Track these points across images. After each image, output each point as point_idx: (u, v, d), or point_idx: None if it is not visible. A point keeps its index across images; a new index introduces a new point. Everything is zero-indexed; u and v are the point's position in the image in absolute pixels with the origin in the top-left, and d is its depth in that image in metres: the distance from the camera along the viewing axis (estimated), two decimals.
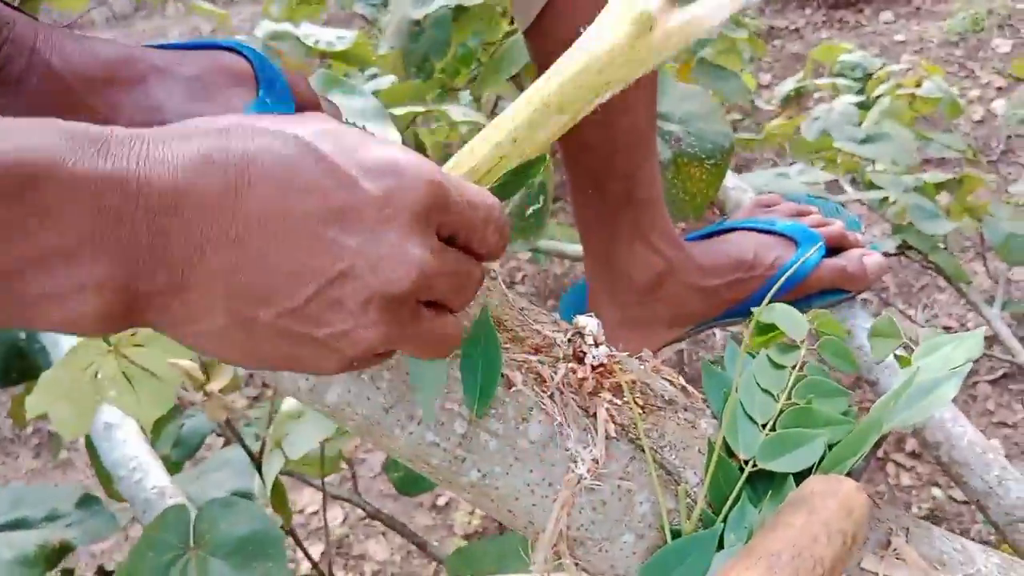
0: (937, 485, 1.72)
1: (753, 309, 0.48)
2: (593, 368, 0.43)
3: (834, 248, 0.71)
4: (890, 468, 1.79)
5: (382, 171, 0.29)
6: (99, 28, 4.31)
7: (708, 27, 0.36)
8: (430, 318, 0.32)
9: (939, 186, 1.04)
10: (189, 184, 0.26)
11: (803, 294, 0.70)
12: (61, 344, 0.85)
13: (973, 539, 1.66)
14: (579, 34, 0.56)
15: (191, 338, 0.29)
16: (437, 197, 0.30)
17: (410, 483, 0.90)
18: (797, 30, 3.06)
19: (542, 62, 0.60)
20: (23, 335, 0.95)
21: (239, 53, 0.45)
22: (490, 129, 0.39)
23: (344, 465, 1.11)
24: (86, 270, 0.25)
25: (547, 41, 0.58)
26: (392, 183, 0.29)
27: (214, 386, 0.63)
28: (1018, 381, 1.86)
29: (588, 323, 0.45)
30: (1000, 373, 1.87)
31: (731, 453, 0.43)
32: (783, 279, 0.67)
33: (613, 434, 0.41)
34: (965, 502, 1.66)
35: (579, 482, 0.40)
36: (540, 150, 0.40)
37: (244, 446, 0.71)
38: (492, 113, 1.41)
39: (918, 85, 1.15)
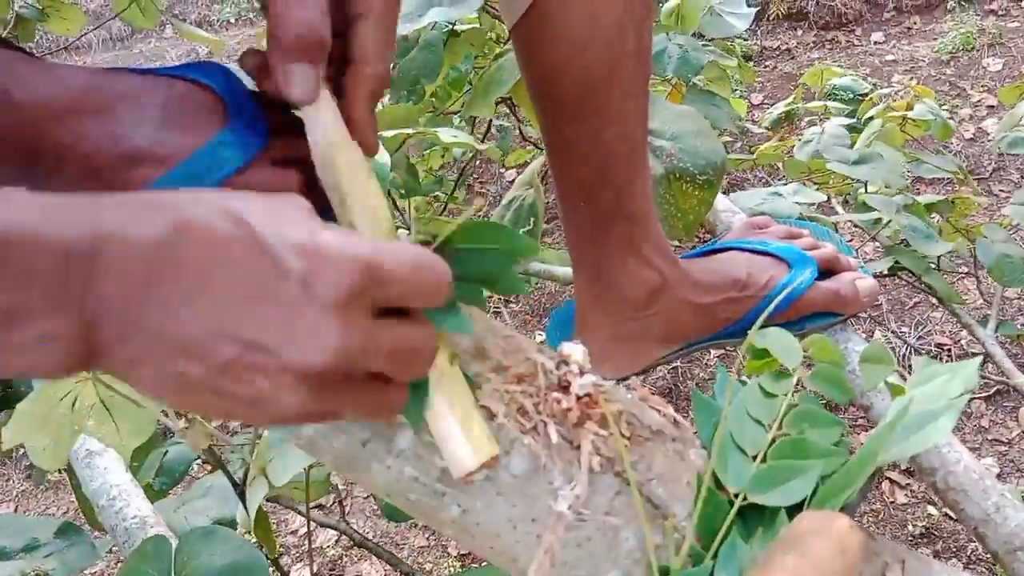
0: (933, 503, 1.71)
1: (748, 332, 0.47)
2: (578, 398, 0.42)
3: (826, 271, 0.70)
4: (885, 486, 1.78)
5: (307, 250, 0.31)
6: (97, 50, 4.31)
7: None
8: (364, 389, 0.33)
9: (931, 207, 1.04)
10: (128, 248, 0.29)
11: (795, 316, 0.69)
12: None
13: (970, 558, 1.65)
14: (565, 32, 0.56)
15: (137, 383, 0.31)
16: (367, 281, 0.31)
17: (397, 510, 0.88)
18: (789, 50, 3.08)
19: (528, 61, 0.60)
20: None
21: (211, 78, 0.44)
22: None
23: (332, 488, 1.09)
24: (48, 324, 0.28)
25: (533, 39, 0.57)
26: (315, 263, 0.30)
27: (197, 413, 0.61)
28: (1012, 398, 1.86)
29: (574, 351, 0.44)
30: (994, 390, 1.86)
31: (721, 486, 0.41)
32: (776, 300, 0.66)
33: (598, 468, 0.40)
34: None
35: (562, 520, 0.39)
36: None
37: (227, 474, 0.70)
38: (484, 136, 1.41)
39: (909, 108, 1.15)
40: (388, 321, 0.33)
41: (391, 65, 0.44)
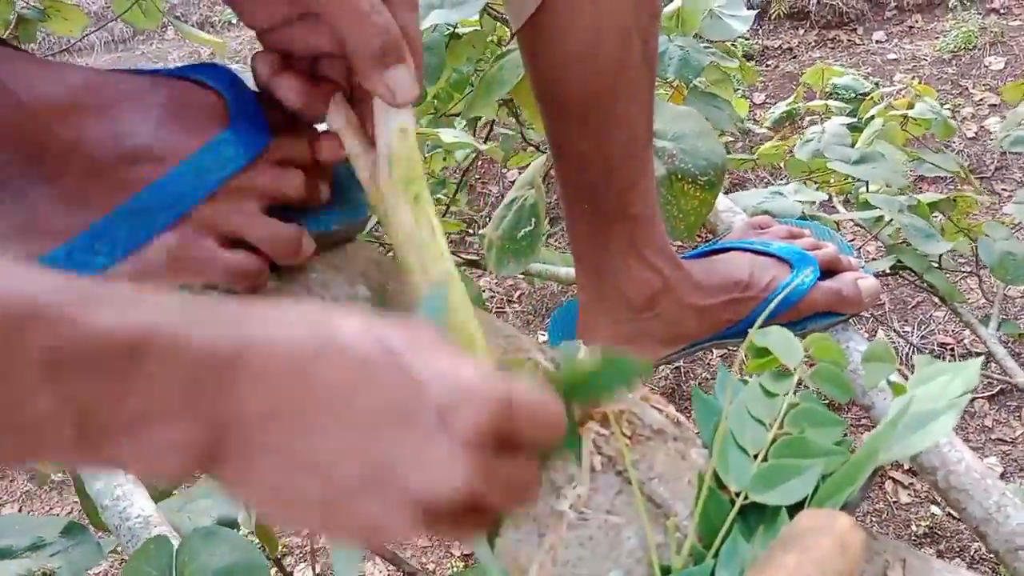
0: (936, 503, 1.71)
1: (749, 331, 0.47)
2: None
3: (828, 271, 0.70)
4: (888, 485, 1.78)
5: (450, 383, 0.30)
6: (99, 52, 4.32)
7: None
8: (467, 516, 0.32)
9: (932, 206, 1.04)
10: (272, 361, 0.28)
11: (797, 317, 0.69)
12: None
13: (974, 558, 1.65)
14: (572, 37, 0.56)
15: (248, 494, 0.30)
16: (501, 418, 0.30)
17: None
18: (791, 50, 3.08)
19: (533, 64, 0.60)
20: None
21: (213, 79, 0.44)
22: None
23: None
24: (178, 432, 0.27)
25: (539, 42, 0.57)
26: (457, 396, 0.29)
27: None
28: (1015, 397, 1.86)
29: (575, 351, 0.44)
30: (997, 389, 1.86)
31: (722, 485, 0.42)
32: (777, 300, 0.66)
33: (599, 467, 0.40)
34: None
35: (564, 520, 0.39)
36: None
37: None
38: (486, 138, 1.41)
39: (910, 107, 1.15)
40: (506, 457, 0.32)
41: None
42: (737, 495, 0.41)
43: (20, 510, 2.19)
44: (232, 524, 0.76)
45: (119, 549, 0.79)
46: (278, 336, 0.29)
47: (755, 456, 0.42)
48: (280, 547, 1.81)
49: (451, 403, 0.29)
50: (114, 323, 0.26)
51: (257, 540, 0.77)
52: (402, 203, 0.40)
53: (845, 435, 0.45)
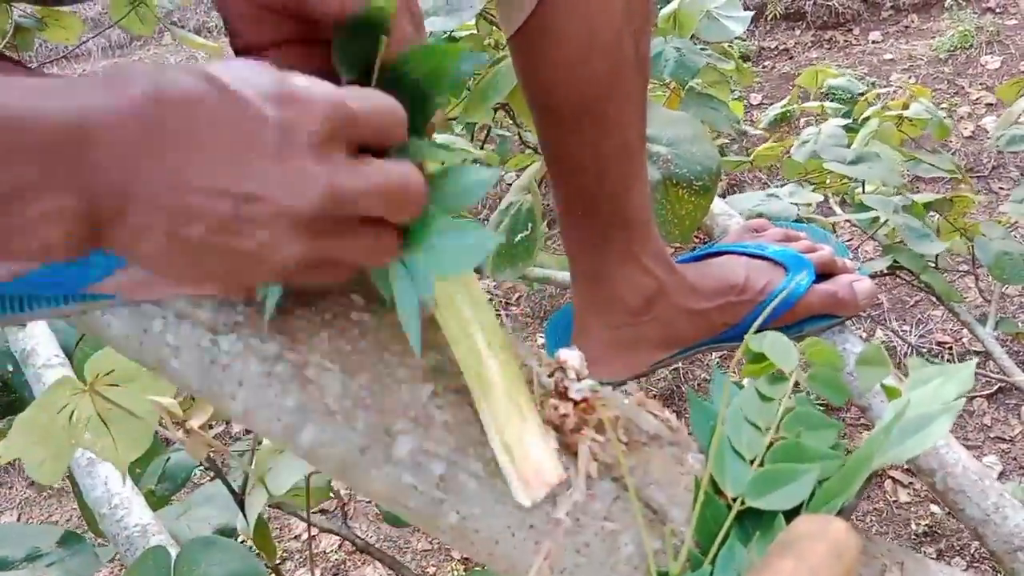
0: (935, 502, 1.71)
1: (745, 336, 0.47)
2: (575, 403, 0.42)
3: (824, 273, 0.70)
4: (888, 485, 1.78)
5: (280, 96, 0.31)
6: (96, 58, 4.31)
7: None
8: (359, 232, 0.34)
9: (928, 206, 1.04)
10: (110, 119, 0.29)
11: (793, 320, 0.69)
12: (44, 378, 0.83)
13: (974, 556, 1.64)
14: (564, 42, 0.55)
15: (144, 259, 0.32)
16: (337, 116, 0.32)
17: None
18: (787, 50, 3.08)
19: (526, 70, 0.60)
20: (9, 367, 0.94)
21: None
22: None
23: (333, 495, 1.09)
24: (48, 201, 0.29)
25: (532, 48, 0.57)
26: (291, 108, 0.31)
27: (194, 423, 0.62)
28: (1014, 396, 1.86)
29: (570, 356, 0.44)
30: (996, 388, 1.86)
31: (718, 490, 0.42)
32: (773, 305, 0.66)
33: (595, 473, 0.40)
34: None
35: (561, 527, 0.39)
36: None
37: (226, 483, 0.70)
38: (484, 142, 1.41)
39: (906, 107, 1.15)
40: (369, 158, 0.34)
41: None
42: (734, 500, 0.41)
43: (19, 517, 2.19)
44: (230, 532, 0.76)
45: (117, 557, 0.79)
46: (110, 96, 0.30)
47: (751, 461, 0.42)
48: (279, 552, 1.81)
49: (286, 115, 0.31)
50: None
51: (255, 548, 0.77)
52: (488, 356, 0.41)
53: (843, 437, 0.45)
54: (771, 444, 0.43)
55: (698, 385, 2.02)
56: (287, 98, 0.32)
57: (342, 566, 1.81)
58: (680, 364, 1.98)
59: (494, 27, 1.14)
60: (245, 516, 0.68)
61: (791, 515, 0.40)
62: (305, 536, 1.85)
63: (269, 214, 0.31)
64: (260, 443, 0.73)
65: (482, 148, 1.34)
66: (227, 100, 0.31)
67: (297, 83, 0.32)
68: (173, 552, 0.63)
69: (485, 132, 1.45)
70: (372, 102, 0.34)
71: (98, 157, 0.29)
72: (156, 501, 0.88)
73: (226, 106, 0.31)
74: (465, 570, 1.75)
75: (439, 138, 0.96)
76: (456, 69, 0.38)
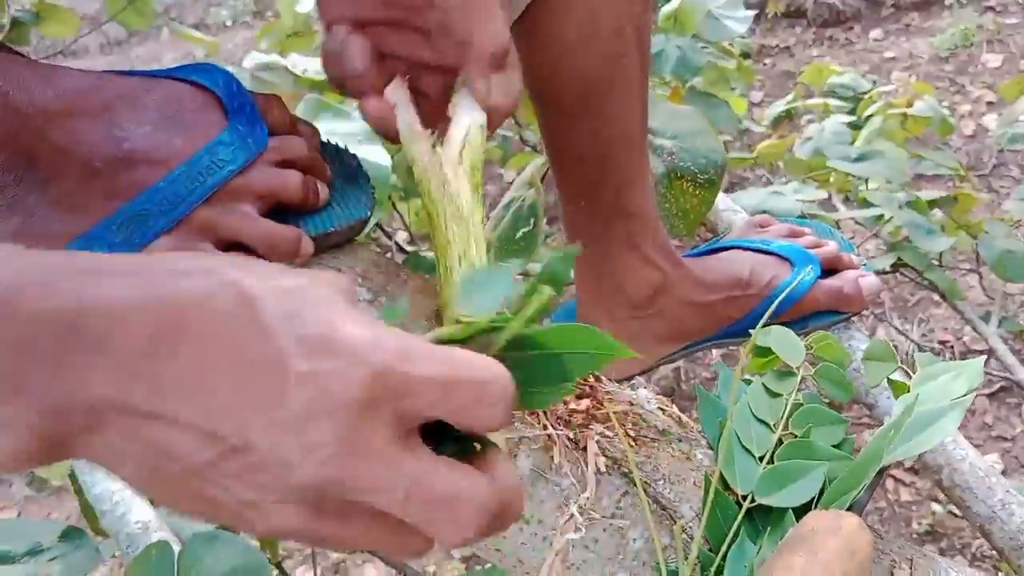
0: (937, 500, 1.70)
1: (751, 331, 0.47)
2: (582, 396, 0.42)
3: (829, 269, 0.70)
4: (890, 484, 1.78)
5: (319, 345, 0.25)
6: (93, 54, 4.30)
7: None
8: (378, 523, 0.27)
9: (932, 203, 1.04)
10: (117, 328, 0.24)
11: (798, 315, 0.69)
12: None
13: (975, 555, 1.64)
14: (565, 31, 0.56)
15: (115, 473, 0.27)
16: (387, 391, 0.25)
17: None
18: (788, 48, 3.08)
19: (528, 59, 0.59)
20: None
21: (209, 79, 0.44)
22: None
23: None
24: (4, 413, 0.24)
25: (534, 36, 0.57)
26: (326, 365, 0.25)
27: None
28: (1016, 394, 1.85)
29: None
30: (997, 387, 1.86)
31: (728, 486, 0.41)
32: (779, 300, 0.66)
33: (603, 469, 0.40)
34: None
35: (571, 520, 0.39)
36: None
37: None
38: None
39: (909, 105, 1.15)
40: (429, 455, 0.27)
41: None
42: (744, 497, 0.40)
43: (19, 515, 2.18)
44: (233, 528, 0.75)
45: (118, 554, 0.78)
46: (121, 299, 0.24)
47: (760, 458, 0.41)
48: (281, 549, 1.81)
49: (320, 370, 0.25)
50: None
51: (258, 543, 0.76)
52: (464, 184, 0.41)
53: (847, 434, 0.45)
54: (780, 440, 0.43)
55: (700, 383, 2.02)
56: (326, 349, 0.25)
57: (342, 565, 1.80)
58: (681, 362, 1.97)
59: None
60: None
61: (801, 512, 0.39)
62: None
63: (258, 476, 0.25)
64: None
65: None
66: (252, 331, 0.25)
67: (348, 333, 0.25)
68: (176, 549, 0.63)
69: None
70: (460, 370, 0.26)
71: (77, 363, 0.24)
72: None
73: (248, 338, 0.25)
74: (467, 568, 1.75)
75: None
76: (600, 363, 0.30)
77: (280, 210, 0.45)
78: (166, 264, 0.26)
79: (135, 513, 0.74)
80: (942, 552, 1.62)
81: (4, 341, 0.23)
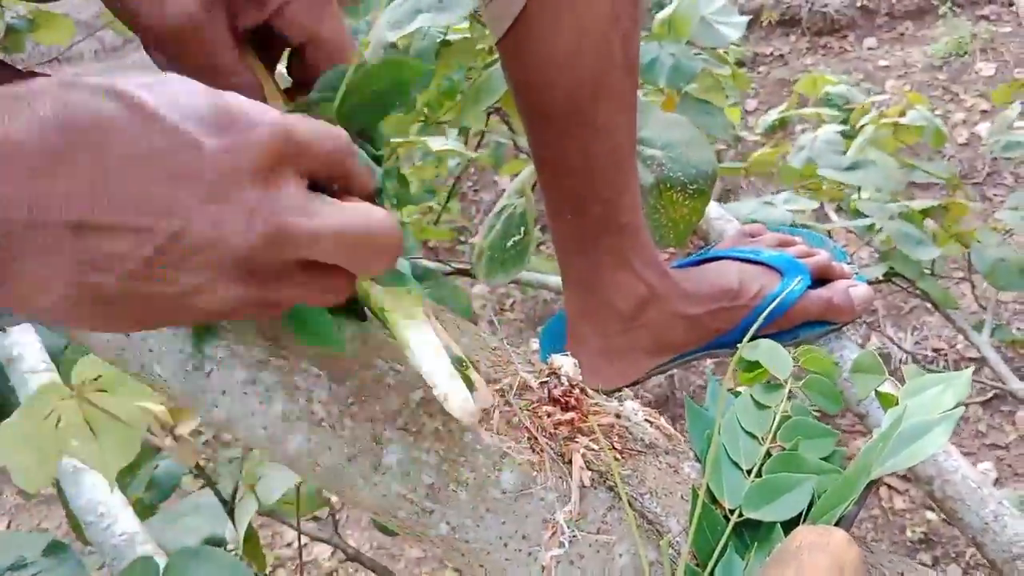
0: (931, 509, 1.70)
1: (738, 345, 0.46)
2: (567, 408, 0.41)
3: (820, 279, 0.69)
4: (884, 492, 1.77)
5: (216, 121, 0.27)
6: (88, 61, 4.29)
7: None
8: (305, 276, 0.30)
9: (925, 212, 1.04)
10: (12, 148, 0.24)
11: (788, 325, 0.68)
12: (30, 384, 0.82)
13: (969, 563, 1.64)
14: (553, 45, 0.55)
15: (41, 313, 0.27)
16: (284, 146, 0.28)
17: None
18: (782, 56, 3.08)
19: (515, 74, 0.59)
20: None
21: None
22: None
23: (326, 502, 1.08)
24: None
25: (519, 51, 0.57)
26: (228, 134, 0.27)
27: (183, 429, 0.61)
28: (1009, 403, 1.85)
29: (563, 363, 0.43)
30: (991, 395, 1.86)
31: (715, 500, 0.41)
32: (768, 311, 0.65)
33: (589, 483, 0.39)
34: None
35: (555, 535, 0.38)
36: None
37: (216, 492, 0.69)
38: (478, 147, 1.40)
39: (902, 114, 1.15)
40: (325, 197, 0.29)
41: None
42: (731, 511, 0.40)
43: (9, 524, 2.17)
44: (219, 542, 0.74)
45: (103, 567, 0.77)
46: (14, 119, 0.25)
47: (749, 471, 0.41)
48: (272, 559, 1.80)
49: (222, 139, 0.27)
50: None
51: (244, 558, 0.76)
52: None
53: (837, 447, 0.44)
54: (768, 453, 0.42)
55: (693, 391, 2.01)
56: (224, 123, 0.27)
57: (334, 574, 1.79)
58: (675, 371, 1.97)
59: (488, 30, 1.13)
60: (235, 525, 0.67)
61: (789, 526, 0.39)
62: (297, 544, 1.83)
63: (199, 255, 0.27)
64: (251, 450, 0.72)
65: (477, 150, 1.34)
66: (151, 126, 0.26)
67: (236, 105, 0.28)
68: (161, 563, 0.62)
69: (479, 137, 1.44)
70: (321, 128, 0.30)
71: None
72: (143, 509, 0.86)
73: (149, 133, 0.26)
74: None
75: (435, 142, 0.95)
76: (413, 83, 0.37)
77: None
78: (33, 88, 0.26)
79: (120, 525, 0.73)
80: (936, 560, 1.61)
81: None
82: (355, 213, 0.30)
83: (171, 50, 0.38)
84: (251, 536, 0.73)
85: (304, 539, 1.77)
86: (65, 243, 0.25)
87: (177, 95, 0.27)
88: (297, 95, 0.42)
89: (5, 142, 0.24)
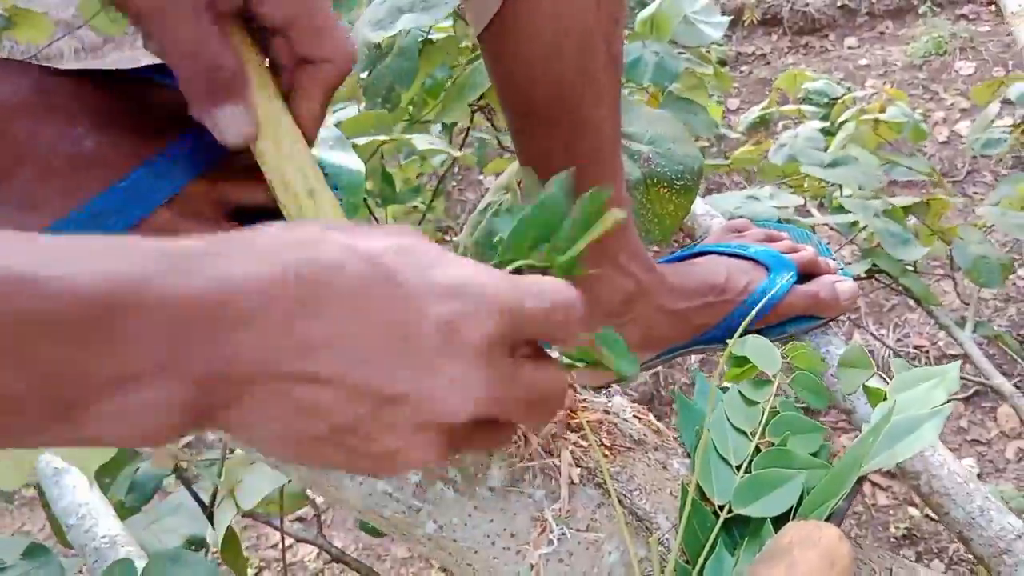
0: (914, 505, 1.71)
1: (728, 337, 0.46)
2: None
3: (806, 274, 0.69)
4: (867, 488, 1.78)
5: (451, 294, 0.28)
6: (68, 60, 4.24)
7: None
8: (487, 430, 0.31)
9: (906, 209, 1.04)
10: (265, 298, 0.26)
11: (775, 321, 0.68)
12: None
13: (952, 559, 1.65)
14: (533, 40, 0.55)
15: (252, 443, 0.29)
16: (510, 324, 0.29)
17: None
18: (764, 55, 3.10)
19: (497, 69, 0.58)
20: None
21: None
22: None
23: (310, 503, 1.07)
24: (158, 391, 0.25)
25: (501, 46, 0.56)
26: (460, 308, 0.28)
27: None
28: (990, 398, 1.87)
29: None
30: (972, 391, 1.87)
31: (705, 497, 0.40)
32: (758, 308, 0.65)
33: (577, 479, 0.39)
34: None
35: (544, 532, 0.38)
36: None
37: (195, 496, 0.67)
38: (462, 145, 1.40)
39: (882, 111, 1.16)
40: (523, 363, 0.30)
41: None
42: (721, 508, 0.39)
43: None
44: (200, 542, 0.73)
45: (84, 569, 0.76)
46: (261, 273, 0.26)
47: (738, 467, 0.41)
48: (256, 561, 1.78)
49: (456, 314, 0.28)
50: (83, 280, 0.23)
51: (224, 563, 0.75)
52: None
53: (825, 442, 0.44)
54: (757, 449, 0.42)
55: (679, 389, 2.01)
56: (458, 292, 0.28)
57: (320, 575, 1.78)
58: (660, 368, 1.97)
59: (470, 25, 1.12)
60: (215, 529, 0.66)
61: (779, 522, 0.39)
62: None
63: (411, 422, 0.28)
64: (232, 451, 0.71)
65: (461, 149, 1.33)
66: (388, 289, 0.27)
67: (469, 277, 0.28)
68: (141, 564, 0.61)
69: (464, 135, 1.44)
70: (552, 298, 0.30)
71: (230, 338, 0.25)
72: (125, 511, 0.85)
73: (385, 295, 0.27)
74: None
75: (419, 140, 0.94)
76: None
77: (245, 214, 0.44)
78: (284, 239, 0.27)
79: (102, 527, 0.72)
80: (919, 556, 1.63)
81: (153, 325, 0.24)
82: (544, 384, 0.31)
83: (148, 30, 0.37)
84: (231, 541, 0.72)
85: (289, 540, 1.75)
86: (295, 392, 0.27)
87: (422, 263, 0.28)
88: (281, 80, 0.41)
89: (261, 289, 0.25)
